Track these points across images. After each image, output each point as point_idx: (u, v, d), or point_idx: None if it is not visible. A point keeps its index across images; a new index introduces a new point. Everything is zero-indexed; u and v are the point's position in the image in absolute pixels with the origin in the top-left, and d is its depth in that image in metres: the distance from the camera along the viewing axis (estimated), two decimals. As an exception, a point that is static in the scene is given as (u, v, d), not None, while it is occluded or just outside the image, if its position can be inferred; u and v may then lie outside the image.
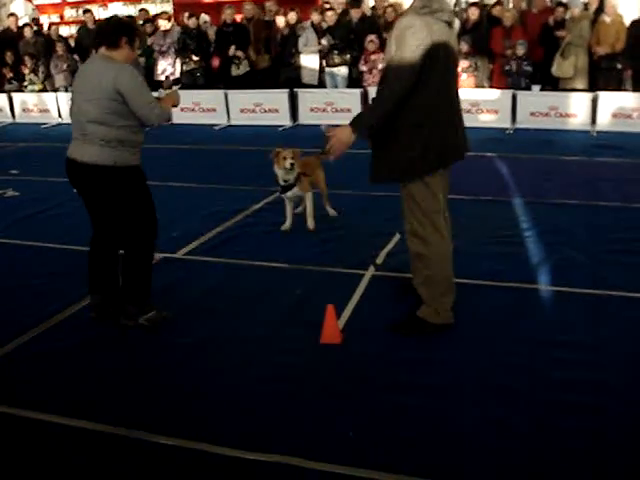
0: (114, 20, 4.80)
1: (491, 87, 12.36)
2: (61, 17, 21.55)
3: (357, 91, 12.69)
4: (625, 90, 11.81)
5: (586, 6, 12.74)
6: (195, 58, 13.73)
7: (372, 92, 12.16)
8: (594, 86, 11.82)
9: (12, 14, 17.03)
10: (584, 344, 4.39)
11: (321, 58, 13.11)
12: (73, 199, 5.51)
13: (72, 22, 20.67)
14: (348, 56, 12.95)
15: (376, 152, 4.36)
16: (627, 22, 11.78)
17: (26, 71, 14.92)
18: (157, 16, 15.44)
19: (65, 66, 14.58)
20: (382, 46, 12.74)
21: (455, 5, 13.76)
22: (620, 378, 3.98)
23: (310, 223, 6.63)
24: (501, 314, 4.84)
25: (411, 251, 4.49)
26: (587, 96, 11.60)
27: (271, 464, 3.31)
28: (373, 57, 12.47)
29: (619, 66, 11.74)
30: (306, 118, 13.05)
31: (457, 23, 4.49)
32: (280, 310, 5.01)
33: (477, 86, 12.22)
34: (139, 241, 4.68)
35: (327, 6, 13.96)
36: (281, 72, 13.58)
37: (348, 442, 3.48)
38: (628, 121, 11.39)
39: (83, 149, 4.49)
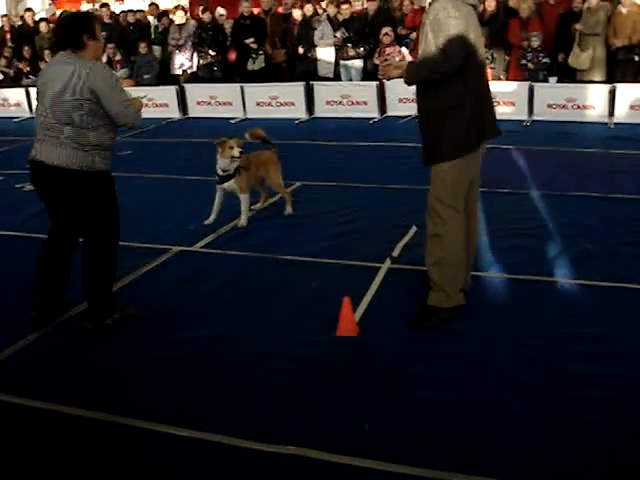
0: (67, 21, 4.61)
1: (507, 79, 12.30)
2: (78, 12, 21.62)
3: (373, 84, 12.65)
4: (643, 82, 11.71)
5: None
6: (212, 53, 13.75)
7: (388, 85, 12.16)
8: (612, 78, 11.73)
9: (29, 9, 17.11)
10: (600, 336, 4.38)
11: (336, 51, 13.09)
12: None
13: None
14: (362, 49, 12.93)
15: (425, 136, 4.44)
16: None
17: (43, 66, 14.99)
18: (169, 10, 15.43)
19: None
20: (397, 39, 12.73)
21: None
22: (636, 370, 3.97)
23: (243, 220, 6.65)
24: (517, 307, 4.84)
25: (429, 231, 4.53)
26: (604, 88, 11.51)
27: (287, 456, 3.33)
28: (388, 50, 12.40)
29: (636, 58, 11.62)
30: (322, 111, 13.06)
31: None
32: (296, 303, 5.02)
33: (494, 78, 12.14)
34: (101, 247, 4.55)
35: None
36: (297, 65, 13.58)
37: (364, 435, 3.49)
38: (646, 113, 11.29)
39: (54, 152, 4.33)
